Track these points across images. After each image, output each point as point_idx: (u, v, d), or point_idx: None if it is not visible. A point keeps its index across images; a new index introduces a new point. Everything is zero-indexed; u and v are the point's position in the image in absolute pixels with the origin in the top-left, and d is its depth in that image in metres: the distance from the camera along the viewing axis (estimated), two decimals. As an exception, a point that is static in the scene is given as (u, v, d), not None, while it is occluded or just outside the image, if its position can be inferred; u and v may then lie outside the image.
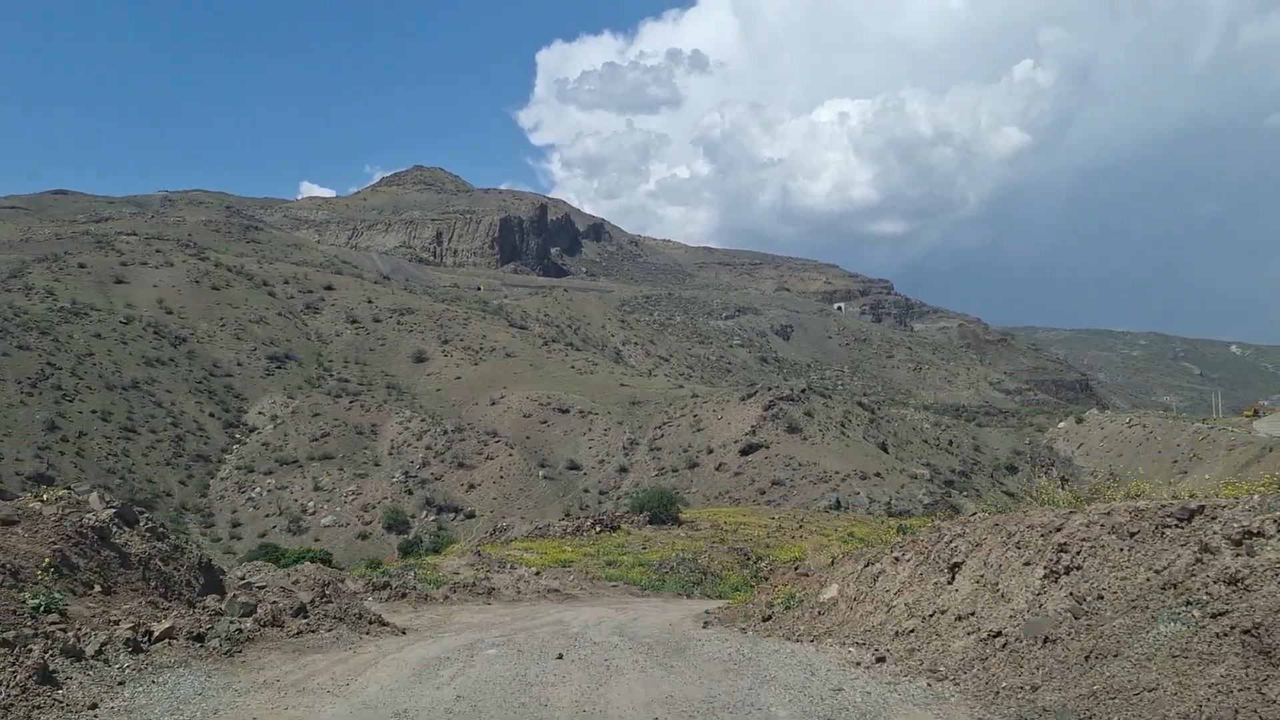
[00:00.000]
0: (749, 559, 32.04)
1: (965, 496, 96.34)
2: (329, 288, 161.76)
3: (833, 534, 38.45)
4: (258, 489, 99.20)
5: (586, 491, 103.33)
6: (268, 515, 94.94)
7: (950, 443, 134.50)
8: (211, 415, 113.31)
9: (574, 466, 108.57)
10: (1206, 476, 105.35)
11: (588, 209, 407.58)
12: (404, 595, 20.72)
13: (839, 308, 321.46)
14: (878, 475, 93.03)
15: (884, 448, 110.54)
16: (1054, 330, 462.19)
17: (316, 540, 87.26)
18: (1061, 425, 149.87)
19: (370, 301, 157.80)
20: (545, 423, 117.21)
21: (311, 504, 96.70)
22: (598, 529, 35.94)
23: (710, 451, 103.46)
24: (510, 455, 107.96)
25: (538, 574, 26.17)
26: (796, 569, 20.01)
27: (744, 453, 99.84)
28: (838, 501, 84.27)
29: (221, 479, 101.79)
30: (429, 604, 20.79)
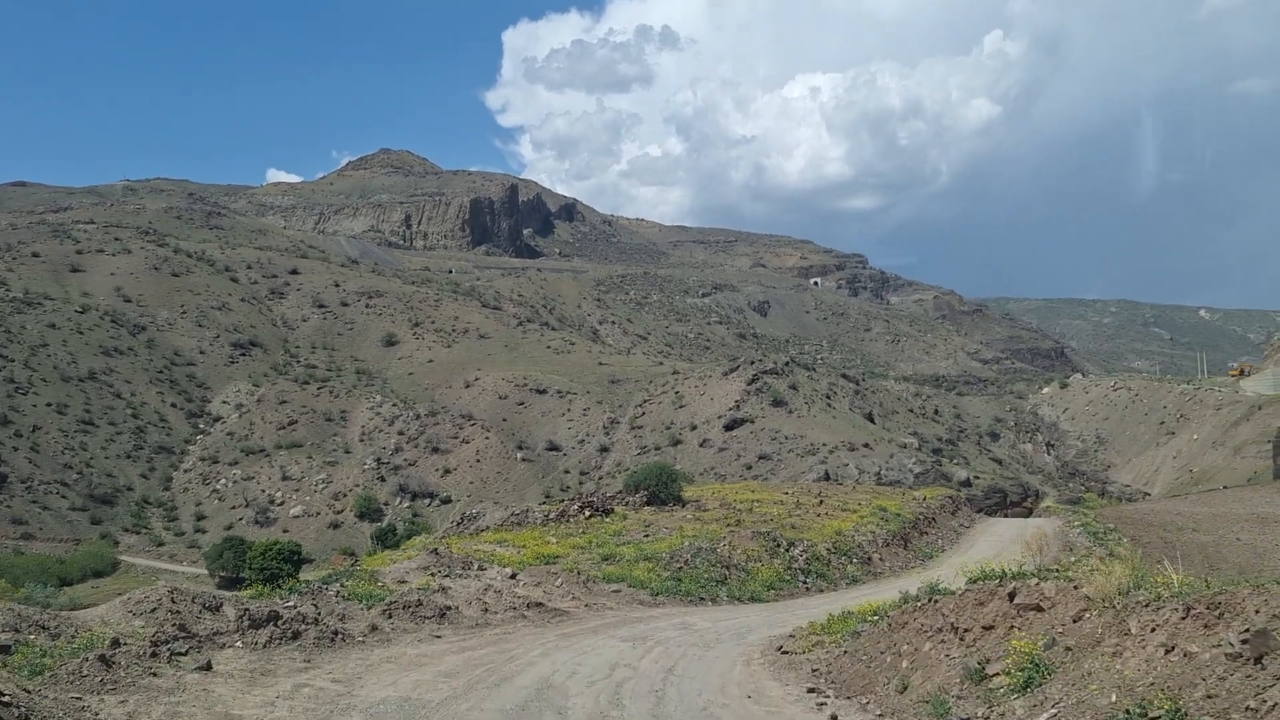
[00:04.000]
0: (778, 545, 26.88)
1: (956, 464, 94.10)
2: (294, 272, 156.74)
3: (861, 509, 34.73)
4: (223, 480, 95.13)
5: (567, 473, 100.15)
6: (234, 507, 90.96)
7: (935, 411, 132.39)
8: (173, 405, 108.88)
9: (553, 448, 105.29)
10: (1194, 437, 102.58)
11: (560, 190, 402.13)
12: (296, 635, 13.94)
13: (815, 283, 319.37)
14: (866, 446, 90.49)
15: (870, 418, 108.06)
16: (1026, 300, 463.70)
17: (286, 531, 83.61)
18: (1045, 391, 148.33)
19: (338, 285, 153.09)
20: (522, 404, 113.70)
21: (280, 494, 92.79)
22: (587, 513, 30.78)
23: (694, 428, 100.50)
24: (487, 438, 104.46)
25: (514, 577, 21.08)
26: (1012, 596, 10.69)
27: (728, 428, 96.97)
28: (826, 474, 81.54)
29: (185, 471, 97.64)
30: (337, 648, 14.19)
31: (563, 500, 38.01)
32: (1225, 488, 71.12)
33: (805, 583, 25.29)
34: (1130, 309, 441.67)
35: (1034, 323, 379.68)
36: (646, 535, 27.72)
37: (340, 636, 14.77)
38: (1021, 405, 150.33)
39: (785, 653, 14.78)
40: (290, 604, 15.73)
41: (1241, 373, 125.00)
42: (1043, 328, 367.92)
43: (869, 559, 29.14)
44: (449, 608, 17.32)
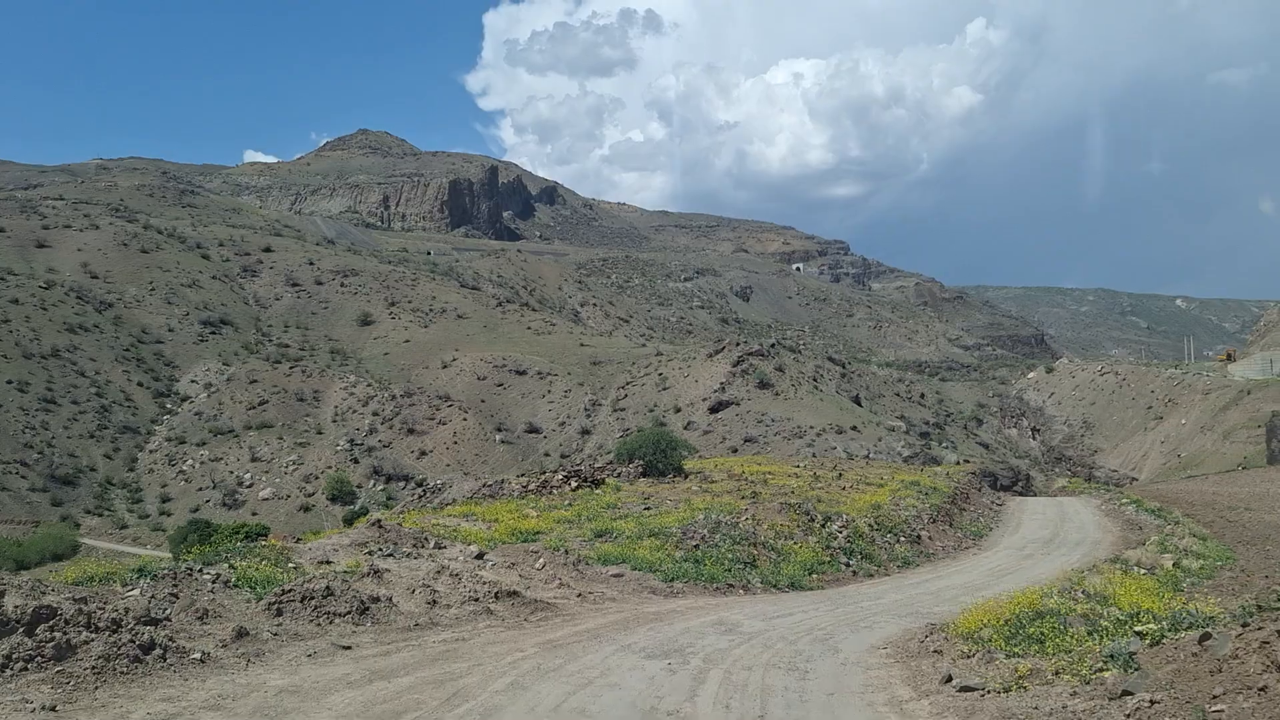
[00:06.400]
0: (812, 520, 22.85)
1: (944, 448, 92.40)
2: (268, 250, 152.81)
3: (888, 483, 31.50)
4: (190, 461, 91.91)
5: (547, 455, 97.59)
6: (201, 489, 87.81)
7: (922, 395, 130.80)
8: (140, 384, 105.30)
9: (533, 429, 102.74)
10: (1183, 422, 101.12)
11: (541, 174, 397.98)
12: (61, 654, 9.01)
13: (797, 268, 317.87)
14: (854, 429, 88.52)
15: (857, 401, 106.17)
16: (1006, 288, 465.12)
17: (254, 514, 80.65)
18: (1031, 376, 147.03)
19: (312, 264, 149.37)
20: (501, 385, 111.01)
21: (249, 475, 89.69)
22: (574, 484, 26.70)
23: (678, 410, 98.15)
24: (464, 419, 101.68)
25: (480, 557, 16.90)
26: None
27: (713, 410, 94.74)
28: (814, 457, 79.59)
29: (151, 451, 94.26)
30: (140, 674, 9.29)
31: (545, 472, 34.23)
32: (1244, 468, 69.52)
33: (848, 564, 21.54)
34: (1108, 298, 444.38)
35: (1014, 310, 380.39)
36: (647, 508, 23.89)
37: (169, 652, 9.71)
38: (1005, 390, 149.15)
39: (968, 691, 9.53)
40: (130, 595, 11.16)
41: (1229, 357, 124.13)
42: (1022, 315, 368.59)
43: (918, 538, 25.73)
44: (376, 599, 12.69)
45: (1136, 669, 8.52)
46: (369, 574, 13.78)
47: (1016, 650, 10.64)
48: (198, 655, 10.03)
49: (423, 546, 16.86)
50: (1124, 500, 34.75)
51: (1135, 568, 16.99)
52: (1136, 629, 9.80)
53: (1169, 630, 9.45)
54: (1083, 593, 12.43)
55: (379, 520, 18.43)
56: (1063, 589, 12.49)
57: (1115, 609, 11.94)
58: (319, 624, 11.74)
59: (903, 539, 24.96)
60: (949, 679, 10.01)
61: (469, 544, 18.05)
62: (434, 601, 13.48)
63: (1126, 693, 7.89)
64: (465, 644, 11.64)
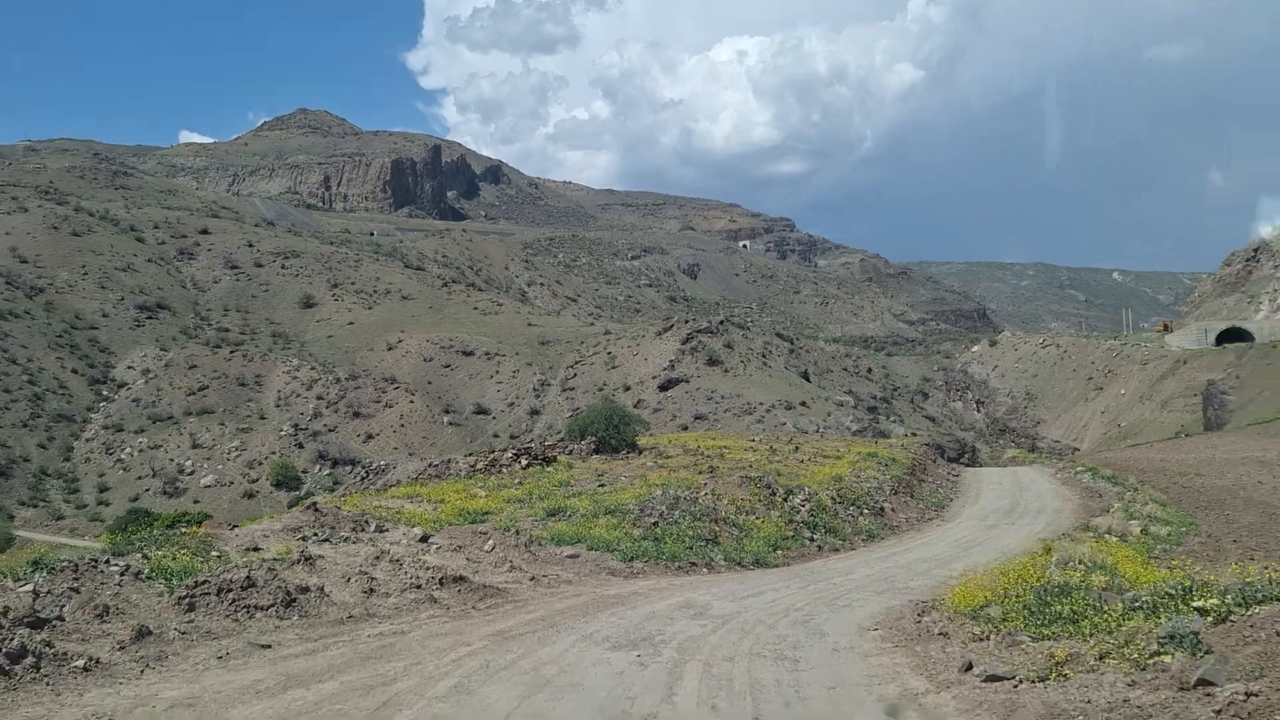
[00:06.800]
0: (774, 494, 22.19)
1: (892, 422, 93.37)
2: (205, 232, 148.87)
3: (845, 455, 31.22)
4: (128, 449, 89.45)
5: (496, 436, 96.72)
6: (140, 477, 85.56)
7: (868, 370, 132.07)
8: (74, 371, 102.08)
9: (481, 411, 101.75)
10: (1122, 392, 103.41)
11: (485, 154, 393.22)
12: None
13: (744, 245, 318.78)
14: (803, 404, 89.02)
15: (806, 377, 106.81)
16: (948, 263, 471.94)
17: (196, 502, 78.78)
18: (975, 349, 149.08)
19: (251, 245, 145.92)
20: (448, 366, 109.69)
21: (190, 463, 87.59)
22: (524, 462, 25.86)
23: (627, 388, 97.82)
24: (411, 402, 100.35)
25: (425, 540, 16.11)
26: None
27: (663, 388, 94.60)
28: (764, 432, 79.92)
29: (87, 440, 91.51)
30: (26, 690, 8.08)
31: (492, 450, 33.21)
32: (1185, 435, 71.15)
33: (812, 539, 21.05)
34: (1047, 272, 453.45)
35: (956, 285, 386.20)
36: (602, 485, 23.09)
37: (45, 660, 8.40)
38: (950, 364, 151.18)
39: (996, 680, 8.22)
40: (19, 591, 9.89)
41: (1166, 328, 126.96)
42: (965, 290, 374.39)
43: (881, 510, 25.41)
44: (306, 589, 11.43)
45: (1207, 652, 7.40)
46: (299, 561, 12.62)
47: (1045, 631, 9.50)
48: (82, 663, 8.58)
49: (362, 530, 15.87)
50: (1079, 468, 35.20)
51: (1107, 535, 16.83)
52: (1195, 604, 8.52)
53: (1235, 605, 8.13)
54: (1080, 563, 11.88)
55: (315, 503, 17.40)
56: (1060, 559, 11.95)
57: (1123, 580, 11.24)
58: (236, 619, 10.45)
59: (866, 511, 24.61)
60: (969, 666, 8.69)
61: (413, 526, 17.10)
62: (371, 590, 12.33)
63: (1206, 682, 6.67)
64: (404, 638, 10.51)
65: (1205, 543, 17.23)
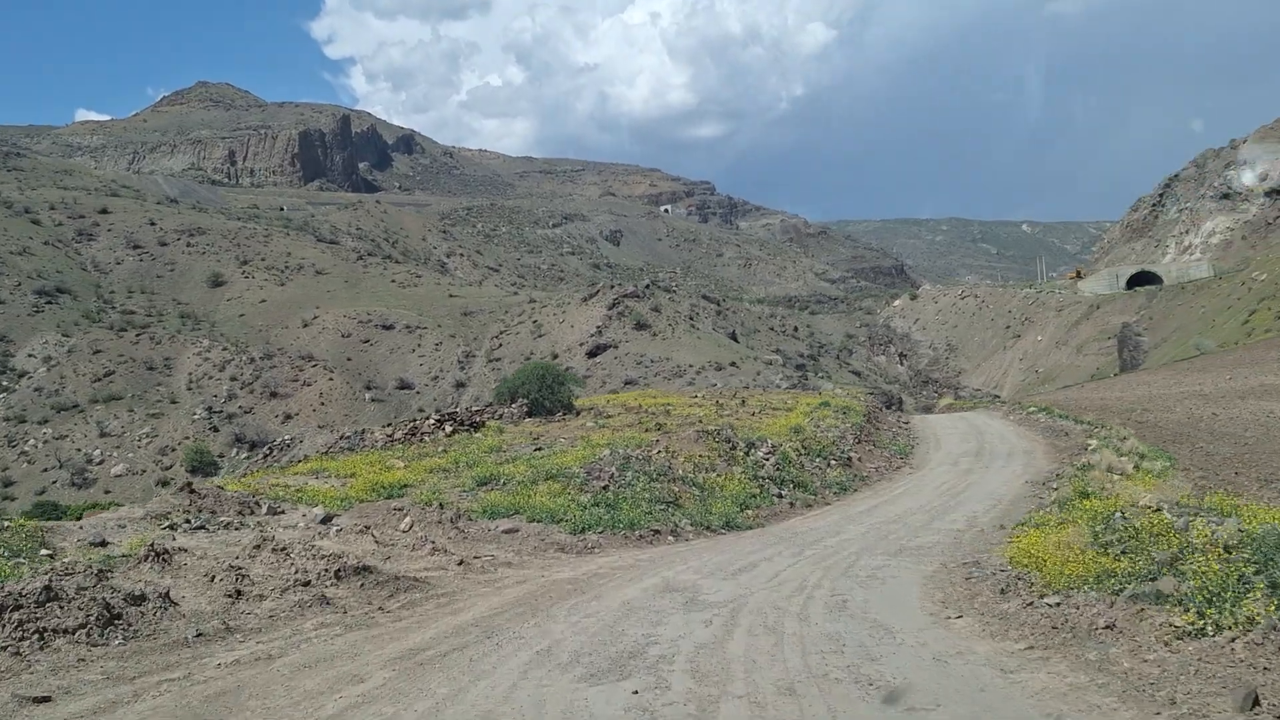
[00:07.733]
0: (734, 448, 20.39)
1: (820, 378, 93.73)
2: (104, 212, 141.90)
3: (797, 406, 30.02)
4: (32, 441, 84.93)
5: (421, 411, 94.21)
6: (45, 470, 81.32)
7: (794, 329, 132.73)
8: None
9: (405, 386, 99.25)
10: (1038, 339, 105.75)
11: (397, 123, 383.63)
12: None
13: (665, 209, 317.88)
14: (733, 365, 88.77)
15: (734, 338, 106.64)
16: (865, 221, 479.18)
17: (107, 492, 75.15)
18: (896, 304, 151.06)
19: (154, 224, 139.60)
20: (368, 341, 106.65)
21: (99, 452, 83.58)
22: (449, 429, 23.81)
23: (555, 356, 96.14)
24: (330, 379, 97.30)
25: (327, 521, 13.72)
26: None
27: (591, 354, 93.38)
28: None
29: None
30: None
31: (413, 419, 30.81)
32: (1100, 378, 72.55)
33: (781, 495, 19.29)
34: (960, 226, 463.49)
35: (874, 243, 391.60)
36: (538, 449, 21.10)
37: None
38: (873, 320, 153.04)
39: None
40: None
41: (1078, 275, 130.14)
42: (882, 247, 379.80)
43: (849, 460, 23.92)
44: (141, 599, 8.71)
45: None
46: (148, 558, 10.04)
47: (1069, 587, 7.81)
48: None
49: (250, 514, 13.44)
50: (1031, 409, 35.01)
51: (1109, 471, 16.09)
52: None
53: None
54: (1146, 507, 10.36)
55: (190, 484, 15.08)
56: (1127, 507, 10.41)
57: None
58: (19, 654, 7.61)
59: (834, 462, 23.30)
60: (1256, 701, 5.51)
61: (314, 506, 14.81)
62: (239, 592, 9.62)
63: None
64: (267, 668, 7.52)
65: (1206, 475, 16.71)
